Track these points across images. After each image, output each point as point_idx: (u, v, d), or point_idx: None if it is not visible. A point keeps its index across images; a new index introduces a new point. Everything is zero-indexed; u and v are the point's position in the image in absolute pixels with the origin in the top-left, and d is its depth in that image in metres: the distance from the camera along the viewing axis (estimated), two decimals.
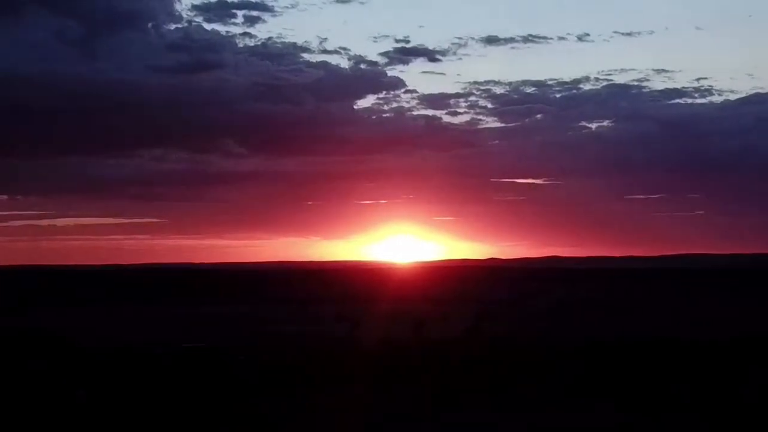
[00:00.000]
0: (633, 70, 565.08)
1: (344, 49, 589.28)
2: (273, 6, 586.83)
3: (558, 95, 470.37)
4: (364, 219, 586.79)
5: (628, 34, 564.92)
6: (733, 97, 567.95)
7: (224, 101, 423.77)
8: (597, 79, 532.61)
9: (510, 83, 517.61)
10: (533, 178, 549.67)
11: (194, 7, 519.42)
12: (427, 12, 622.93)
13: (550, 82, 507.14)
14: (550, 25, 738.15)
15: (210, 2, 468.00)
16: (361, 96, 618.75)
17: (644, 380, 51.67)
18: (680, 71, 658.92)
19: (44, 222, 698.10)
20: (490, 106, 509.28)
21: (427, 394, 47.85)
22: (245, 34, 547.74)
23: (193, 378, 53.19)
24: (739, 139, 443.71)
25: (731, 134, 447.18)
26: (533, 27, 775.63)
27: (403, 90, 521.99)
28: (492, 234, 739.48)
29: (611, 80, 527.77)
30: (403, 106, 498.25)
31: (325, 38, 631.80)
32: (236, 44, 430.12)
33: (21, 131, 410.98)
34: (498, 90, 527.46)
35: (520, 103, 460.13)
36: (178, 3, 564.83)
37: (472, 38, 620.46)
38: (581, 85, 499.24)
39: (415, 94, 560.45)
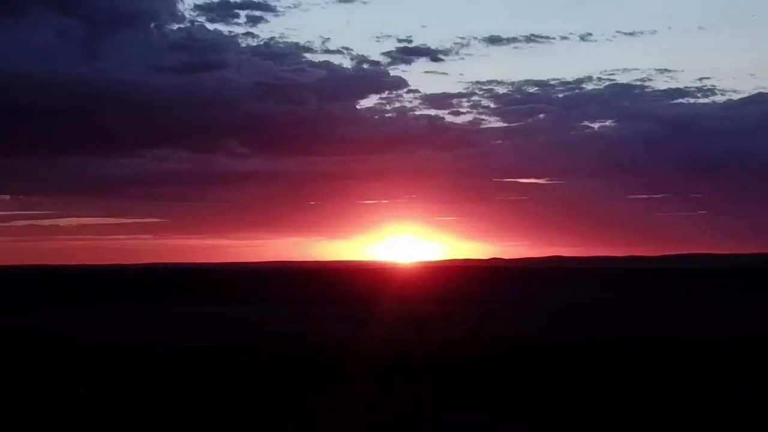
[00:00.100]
0: (636, 69, 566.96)
1: (347, 48, 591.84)
2: (275, 6, 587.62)
3: (560, 95, 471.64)
4: (366, 219, 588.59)
5: (631, 33, 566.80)
6: (735, 96, 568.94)
7: (227, 101, 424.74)
8: (600, 79, 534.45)
9: (512, 83, 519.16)
10: (536, 177, 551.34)
11: (197, 7, 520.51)
12: (429, 12, 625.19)
13: (552, 82, 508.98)
14: (552, 25, 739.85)
15: (212, 2, 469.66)
16: (363, 96, 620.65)
17: (645, 380, 51.58)
18: (683, 71, 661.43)
19: (47, 222, 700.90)
20: (492, 105, 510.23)
21: (429, 394, 47.76)
22: (248, 33, 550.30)
23: (193, 378, 53.14)
24: (742, 139, 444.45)
25: (734, 134, 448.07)
26: (536, 27, 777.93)
27: (405, 90, 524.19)
28: (494, 234, 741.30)
29: (614, 80, 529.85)
30: (405, 106, 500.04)
31: (328, 38, 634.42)
32: (239, 44, 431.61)
33: (23, 131, 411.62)
34: (500, 90, 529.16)
35: (522, 102, 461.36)
36: (180, 3, 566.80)
37: (475, 38, 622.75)
38: (584, 85, 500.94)
39: (417, 94, 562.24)
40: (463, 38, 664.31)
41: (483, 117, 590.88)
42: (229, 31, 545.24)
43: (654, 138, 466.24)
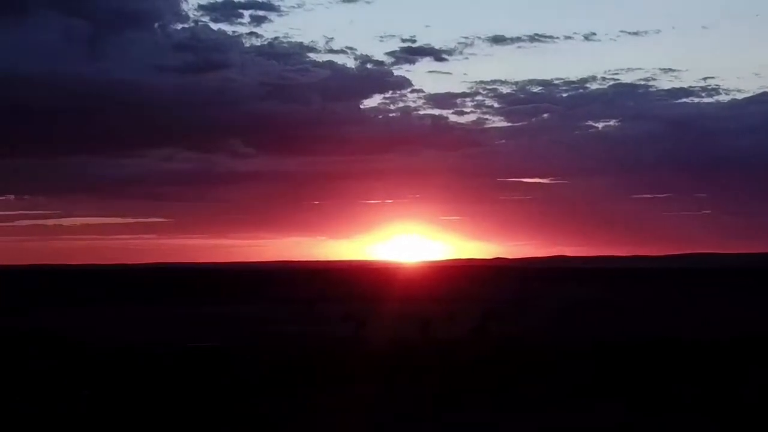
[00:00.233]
0: (640, 69, 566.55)
1: (350, 48, 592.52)
2: (279, 6, 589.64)
3: (564, 94, 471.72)
4: (370, 218, 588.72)
5: (635, 33, 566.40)
6: (740, 96, 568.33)
7: (230, 101, 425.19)
8: (604, 79, 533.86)
9: (516, 83, 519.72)
10: (540, 177, 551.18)
11: (201, 7, 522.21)
12: (433, 11, 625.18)
13: (556, 82, 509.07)
14: (556, 25, 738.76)
15: (216, 2, 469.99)
16: (367, 95, 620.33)
17: (645, 380, 51.31)
18: (687, 70, 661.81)
19: (51, 222, 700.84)
20: (496, 105, 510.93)
21: (435, 395, 47.38)
22: (252, 33, 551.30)
23: (193, 378, 52.82)
24: (746, 139, 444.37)
25: (738, 133, 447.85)
26: (540, 26, 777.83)
27: (409, 89, 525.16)
28: (498, 233, 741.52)
29: (618, 79, 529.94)
30: (409, 106, 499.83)
31: (332, 38, 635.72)
32: (243, 44, 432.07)
33: (27, 131, 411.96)
34: (504, 89, 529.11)
35: (526, 102, 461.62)
36: (184, 3, 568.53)
37: (479, 38, 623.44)
38: (588, 85, 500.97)
39: (421, 94, 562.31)
40: (467, 38, 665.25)
41: (487, 117, 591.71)
42: (233, 31, 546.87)
43: (658, 137, 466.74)
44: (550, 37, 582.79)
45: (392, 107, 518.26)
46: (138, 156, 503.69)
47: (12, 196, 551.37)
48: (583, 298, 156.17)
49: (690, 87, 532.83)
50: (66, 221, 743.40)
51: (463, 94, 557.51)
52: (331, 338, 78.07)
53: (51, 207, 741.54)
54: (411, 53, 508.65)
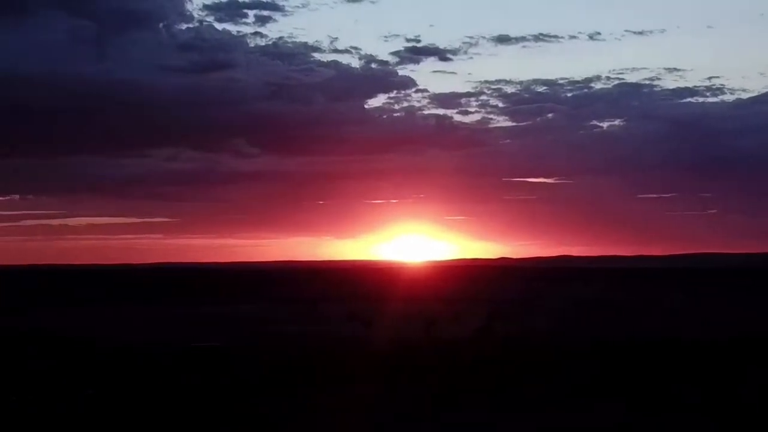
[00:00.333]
0: (644, 69, 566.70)
1: (355, 48, 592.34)
2: (284, 5, 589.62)
3: (569, 94, 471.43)
4: (374, 218, 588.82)
5: (640, 32, 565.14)
6: (745, 95, 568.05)
7: (235, 101, 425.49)
8: (608, 78, 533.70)
9: (521, 82, 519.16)
10: (545, 177, 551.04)
11: (205, 7, 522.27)
12: (437, 11, 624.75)
13: (561, 81, 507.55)
14: (561, 24, 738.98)
15: (221, 2, 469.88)
16: (371, 95, 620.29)
17: (645, 380, 51.13)
18: (692, 70, 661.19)
19: (56, 222, 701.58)
20: (501, 105, 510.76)
21: (434, 395, 47.11)
22: (256, 33, 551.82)
23: (193, 377, 52.62)
24: (752, 138, 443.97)
25: (744, 133, 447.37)
26: (544, 26, 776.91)
27: (413, 89, 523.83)
28: (503, 233, 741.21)
29: (623, 79, 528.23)
30: (413, 106, 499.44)
31: (336, 38, 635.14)
32: (247, 44, 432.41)
33: (31, 131, 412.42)
34: (509, 89, 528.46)
35: (531, 102, 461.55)
36: (189, 3, 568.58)
37: (483, 37, 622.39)
38: (593, 84, 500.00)
39: (425, 94, 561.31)
40: (471, 38, 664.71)
41: (491, 116, 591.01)
42: (238, 31, 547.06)
43: (663, 137, 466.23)
44: (555, 36, 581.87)
45: (396, 107, 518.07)
46: (142, 156, 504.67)
47: (17, 196, 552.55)
48: (589, 297, 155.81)
49: (695, 86, 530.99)
50: (71, 221, 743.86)
51: (468, 94, 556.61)
52: (333, 338, 77.81)
53: (56, 207, 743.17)
54: (415, 53, 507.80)
